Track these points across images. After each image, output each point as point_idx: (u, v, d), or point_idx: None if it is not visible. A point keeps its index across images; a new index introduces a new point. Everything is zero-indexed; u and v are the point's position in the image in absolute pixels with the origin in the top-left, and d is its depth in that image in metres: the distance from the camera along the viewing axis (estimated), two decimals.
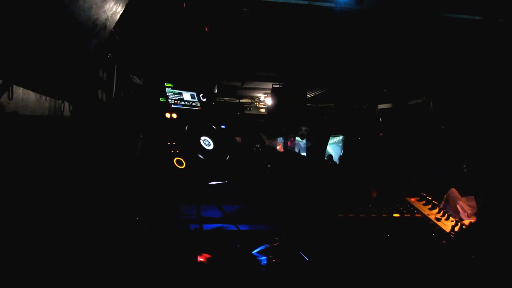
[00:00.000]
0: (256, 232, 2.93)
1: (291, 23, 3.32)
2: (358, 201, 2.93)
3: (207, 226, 2.88)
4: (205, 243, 2.63)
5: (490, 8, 3.41)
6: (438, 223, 2.60)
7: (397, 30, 3.53)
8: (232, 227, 2.91)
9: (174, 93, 2.44)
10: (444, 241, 2.41)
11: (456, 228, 2.52)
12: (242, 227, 2.95)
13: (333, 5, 3.25)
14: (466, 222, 3.31)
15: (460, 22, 3.41)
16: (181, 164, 2.17)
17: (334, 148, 15.86)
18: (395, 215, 2.68)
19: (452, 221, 2.62)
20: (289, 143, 21.49)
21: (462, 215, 3.35)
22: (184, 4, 2.77)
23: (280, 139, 21.93)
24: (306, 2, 3.18)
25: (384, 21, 3.39)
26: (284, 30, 3.39)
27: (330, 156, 14.06)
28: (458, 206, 3.34)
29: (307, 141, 16.93)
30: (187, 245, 2.50)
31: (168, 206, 2.49)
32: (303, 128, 13.73)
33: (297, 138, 17.97)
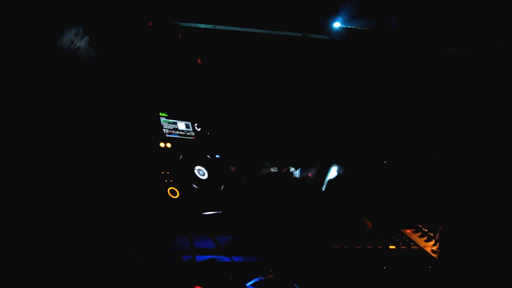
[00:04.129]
0: (250, 263, 2.88)
1: (282, 54, 3.41)
2: (353, 232, 2.91)
3: (200, 258, 2.83)
4: (198, 275, 2.58)
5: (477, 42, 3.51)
6: (434, 255, 2.58)
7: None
8: (225, 259, 2.86)
9: (169, 123, 2.45)
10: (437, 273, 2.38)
11: None
12: (236, 259, 2.91)
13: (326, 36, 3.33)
14: None
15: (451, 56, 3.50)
16: (175, 194, 2.15)
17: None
18: (391, 246, 2.65)
19: None
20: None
21: None
22: (180, 36, 2.82)
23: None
24: (301, 34, 3.26)
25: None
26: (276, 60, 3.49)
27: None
28: None
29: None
30: (180, 277, 2.45)
31: (161, 236, 2.45)
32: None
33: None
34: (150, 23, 2.76)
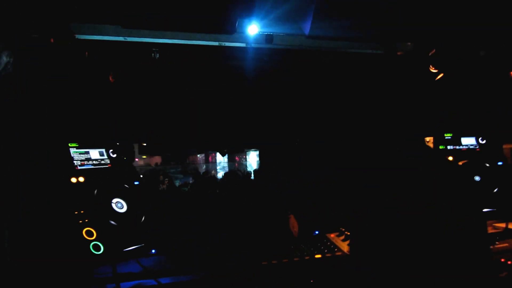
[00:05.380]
0: (178, 284, 2.81)
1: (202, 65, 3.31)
2: (281, 241, 2.95)
3: (125, 285, 2.71)
4: None
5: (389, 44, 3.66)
6: None
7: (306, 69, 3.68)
8: (152, 282, 2.77)
9: (80, 153, 2.26)
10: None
11: None
12: (164, 280, 2.82)
13: (243, 44, 3.27)
14: None
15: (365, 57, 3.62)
16: (91, 235, 2.01)
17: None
18: (316, 256, 2.72)
19: None
20: (210, 158, 21.45)
21: None
22: (87, 53, 2.60)
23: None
24: (217, 43, 3.16)
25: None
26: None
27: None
28: None
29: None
30: None
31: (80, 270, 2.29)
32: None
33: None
34: (52, 40, 2.51)
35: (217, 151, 16.94)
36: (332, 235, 3.01)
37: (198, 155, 21.72)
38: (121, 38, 2.85)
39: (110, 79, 2.64)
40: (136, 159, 17.25)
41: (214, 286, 2.60)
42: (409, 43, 3.70)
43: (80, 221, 2.01)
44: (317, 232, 3.62)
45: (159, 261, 3.01)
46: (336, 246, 2.84)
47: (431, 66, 3.58)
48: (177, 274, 2.83)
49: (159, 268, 2.93)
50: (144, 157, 17.61)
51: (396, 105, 3.57)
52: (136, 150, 14.22)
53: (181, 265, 2.90)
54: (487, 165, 3.14)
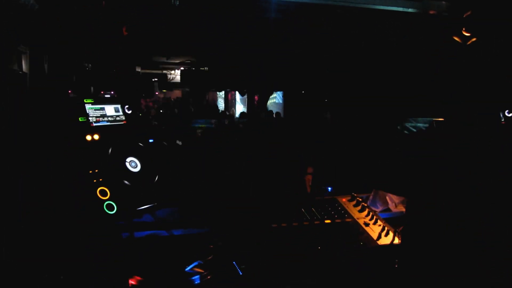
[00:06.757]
0: (190, 236, 2.89)
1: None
2: (292, 201, 2.97)
3: (139, 234, 2.80)
4: (137, 257, 2.56)
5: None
6: (367, 228, 2.70)
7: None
8: (165, 233, 2.85)
9: (96, 109, 2.25)
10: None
11: (383, 234, 2.63)
12: (176, 232, 2.91)
13: None
14: (394, 209, 3.49)
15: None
16: (105, 194, 2.04)
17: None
18: (326, 221, 2.74)
19: (380, 225, 2.73)
20: (229, 96, 21.37)
21: (391, 205, 3.52)
22: (104, 3, 2.50)
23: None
24: None
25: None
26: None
27: (278, 113, 13.95)
28: (387, 197, 3.50)
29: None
30: (119, 262, 2.42)
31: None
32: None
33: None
34: None
35: (237, 90, 16.78)
36: (343, 199, 3.01)
37: (218, 93, 21.61)
38: None
39: (124, 32, 2.55)
40: (157, 93, 17.30)
41: (224, 245, 2.65)
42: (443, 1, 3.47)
43: (95, 180, 2.03)
44: (330, 189, 3.64)
45: (172, 212, 3.08)
46: (347, 212, 2.86)
47: (463, 29, 3.36)
48: (188, 226, 2.91)
49: (172, 219, 3.02)
50: (164, 91, 17.60)
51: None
52: (156, 84, 14.22)
53: (193, 218, 2.97)
54: None
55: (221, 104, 21.73)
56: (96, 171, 2.06)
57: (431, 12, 3.50)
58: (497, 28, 3.23)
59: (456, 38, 3.33)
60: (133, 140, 2.29)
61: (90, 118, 2.21)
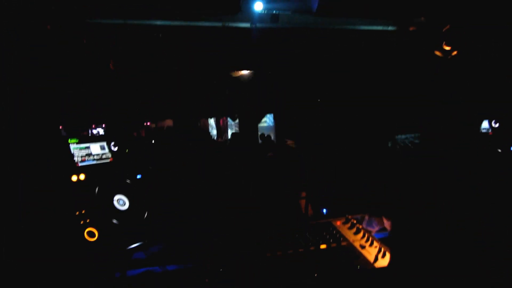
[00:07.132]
0: (184, 271, 2.83)
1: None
2: (287, 228, 2.93)
3: (131, 272, 2.74)
4: None
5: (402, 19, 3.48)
6: (363, 251, 2.66)
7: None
8: (158, 270, 2.80)
9: (81, 149, 2.22)
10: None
11: (380, 256, 2.59)
12: (170, 267, 2.85)
13: (247, 24, 3.14)
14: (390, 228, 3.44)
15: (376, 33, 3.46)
16: (93, 235, 2.00)
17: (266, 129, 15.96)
18: (322, 246, 2.69)
19: (376, 246, 2.69)
20: (221, 121, 21.45)
21: (387, 224, 3.49)
22: (84, 40, 2.50)
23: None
24: (221, 24, 3.04)
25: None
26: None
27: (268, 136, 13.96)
28: (383, 216, 3.46)
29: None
30: None
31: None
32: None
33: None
34: (48, 27, 2.42)
35: (228, 116, 16.85)
36: (338, 223, 2.98)
37: (210, 119, 21.70)
38: (121, 21, 2.75)
39: (111, 66, 2.55)
40: (148, 123, 17.32)
41: (219, 275, 2.60)
42: (422, 18, 3.53)
43: (82, 222, 1.99)
44: (325, 212, 3.61)
45: (165, 247, 3.03)
46: (342, 235, 2.82)
47: (444, 43, 3.42)
48: (183, 261, 2.85)
49: (166, 253, 2.96)
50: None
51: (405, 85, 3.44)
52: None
53: (185, 254, 2.92)
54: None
55: (214, 132, 21.78)
56: (83, 212, 2.02)
57: (411, 28, 3.56)
58: (477, 39, 3.29)
59: (437, 53, 3.37)
60: (120, 177, 2.25)
61: (75, 158, 2.18)
